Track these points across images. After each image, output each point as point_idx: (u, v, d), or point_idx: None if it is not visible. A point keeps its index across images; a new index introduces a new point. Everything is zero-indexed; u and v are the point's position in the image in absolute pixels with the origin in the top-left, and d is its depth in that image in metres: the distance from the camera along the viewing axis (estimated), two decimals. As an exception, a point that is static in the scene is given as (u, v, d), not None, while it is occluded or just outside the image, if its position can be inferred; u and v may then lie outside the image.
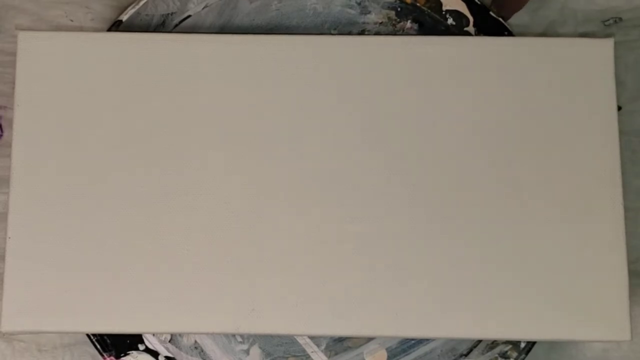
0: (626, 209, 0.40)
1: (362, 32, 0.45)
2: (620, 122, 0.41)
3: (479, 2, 0.45)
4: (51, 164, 0.40)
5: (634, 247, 0.44)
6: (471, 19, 0.45)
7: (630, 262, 0.40)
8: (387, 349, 0.43)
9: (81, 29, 0.46)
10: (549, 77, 0.41)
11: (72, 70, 0.41)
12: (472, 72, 0.41)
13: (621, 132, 0.41)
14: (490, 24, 0.45)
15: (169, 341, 0.43)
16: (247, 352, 0.43)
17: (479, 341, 0.43)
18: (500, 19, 0.45)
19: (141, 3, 0.45)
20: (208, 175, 0.40)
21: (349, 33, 0.45)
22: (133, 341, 0.43)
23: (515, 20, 0.46)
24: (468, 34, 0.45)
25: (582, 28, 0.47)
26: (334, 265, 0.39)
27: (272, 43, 0.41)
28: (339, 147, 0.40)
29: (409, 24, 0.46)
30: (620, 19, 0.47)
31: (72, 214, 0.39)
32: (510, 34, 0.45)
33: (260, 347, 0.43)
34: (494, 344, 0.43)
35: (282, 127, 0.41)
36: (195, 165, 0.40)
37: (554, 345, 0.44)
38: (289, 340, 0.43)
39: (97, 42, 0.41)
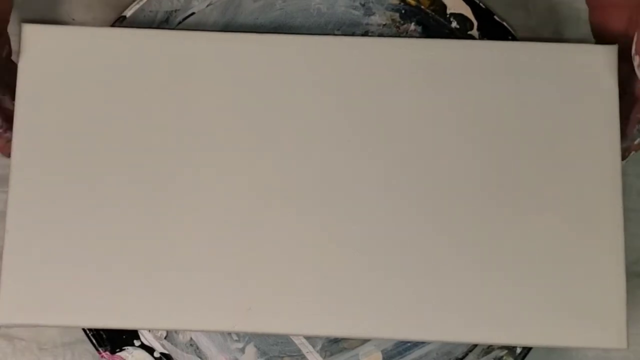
0: (628, 210, 0.40)
1: (365, 34, 0.45)
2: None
3: (483, 6, 0.45)
4: (52, 160, 0.40)
5: (635, 248, 0.44)
6: (475, 22, 0.45)
7: (632, 264, 0.40)
8: (382, 351, 0.43)
9: (83, 27, 0.46)
10: (553, 81, 0.41)
11: (74, 65, 0.41)
12: (475, 75, 0.41)
13: (623, 134, 0.41)
14: (494, 28, 0.45)
15: (165, 338, 0.43)
16: (242, 350, 0.43)
17: (475, 345, 0.43)
18: (504, 23, 0.45)
19: (145, -1, 0.45)
20: (208, 173, 0.40)
21: (353, 34, 0.45)
22: (129, 337, 0.43)
23: (519, 24, 0.46)
24: (472, 37, 0.45)
25: (586, 33, 0.46)
26: (331, 266, 0.39)
27: (275, 42, 0.41)
28: (339, 148, 0.40)
29: (412, 26, 0.45)
30: (625, 25, 0.46)
31: (71, 210, 0.39)
32: (514, 38, 0.45)
33: (255, 346, 0.43)
34: (489, 348, 0.43)
35: (282, 127, 0.40)
36: (196, 163, 0.40)
37: (553, 347, 0.44)
38: (284, 340, 0.43)
39: (100, 37, 0.41)
